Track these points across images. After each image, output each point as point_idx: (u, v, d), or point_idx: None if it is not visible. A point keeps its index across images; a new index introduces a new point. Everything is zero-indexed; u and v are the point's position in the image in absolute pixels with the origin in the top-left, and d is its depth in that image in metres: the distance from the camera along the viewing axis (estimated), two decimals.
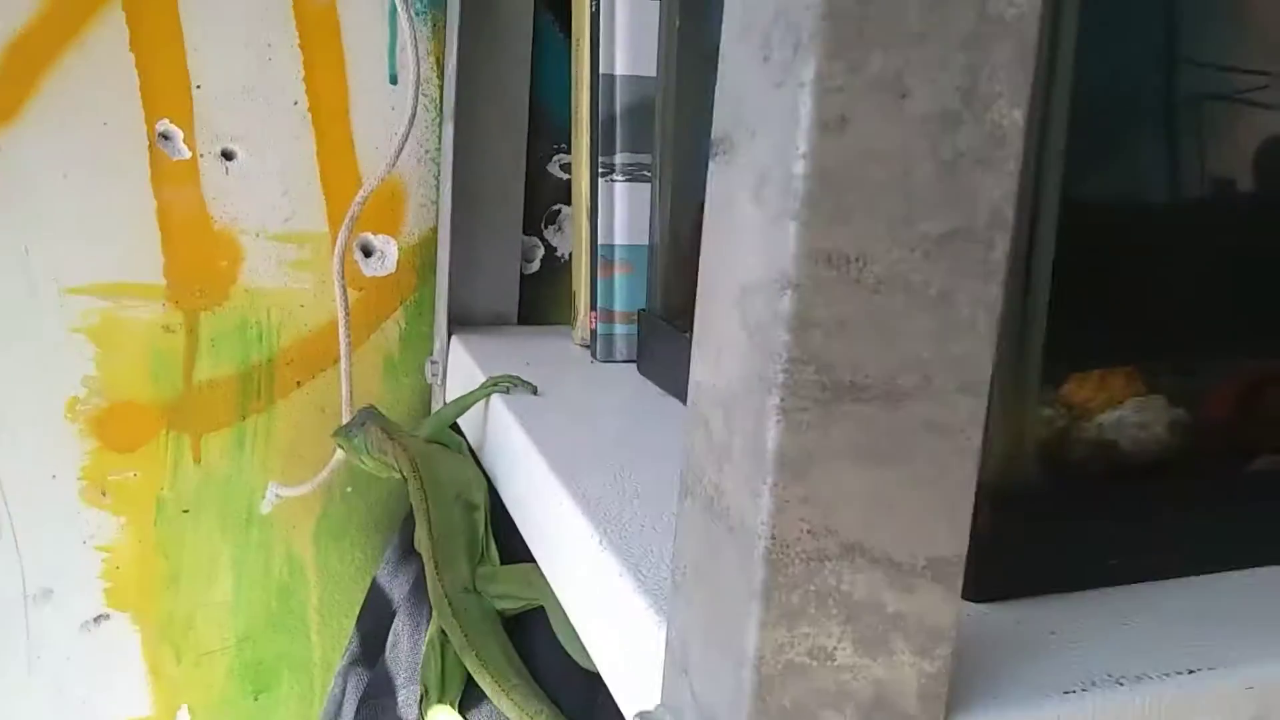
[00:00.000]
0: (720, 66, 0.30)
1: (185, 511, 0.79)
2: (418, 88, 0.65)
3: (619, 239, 0.71)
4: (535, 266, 0.82)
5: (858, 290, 0.26)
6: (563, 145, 0.81)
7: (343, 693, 0.67)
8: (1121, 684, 0.32)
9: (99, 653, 0.79)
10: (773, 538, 0.27)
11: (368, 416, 0.62)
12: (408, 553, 0.69)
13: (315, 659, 0.83)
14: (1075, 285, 0.38)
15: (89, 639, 0.79)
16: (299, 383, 0.79)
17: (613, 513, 0.44)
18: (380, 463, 0.60)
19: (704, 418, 0.30)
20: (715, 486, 0.30)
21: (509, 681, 0.50)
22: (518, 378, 0.61)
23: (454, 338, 0.75)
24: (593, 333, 0.72)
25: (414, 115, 0.65)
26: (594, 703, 0.48)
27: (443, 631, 0.55)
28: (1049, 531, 0.39)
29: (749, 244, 0.28)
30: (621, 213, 0.71)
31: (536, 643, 0.53)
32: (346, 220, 0.69)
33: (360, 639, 0.68)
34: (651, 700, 0.34)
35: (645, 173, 0.71)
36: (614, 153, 0.70)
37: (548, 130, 0.80)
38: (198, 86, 0.73)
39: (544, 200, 0.81)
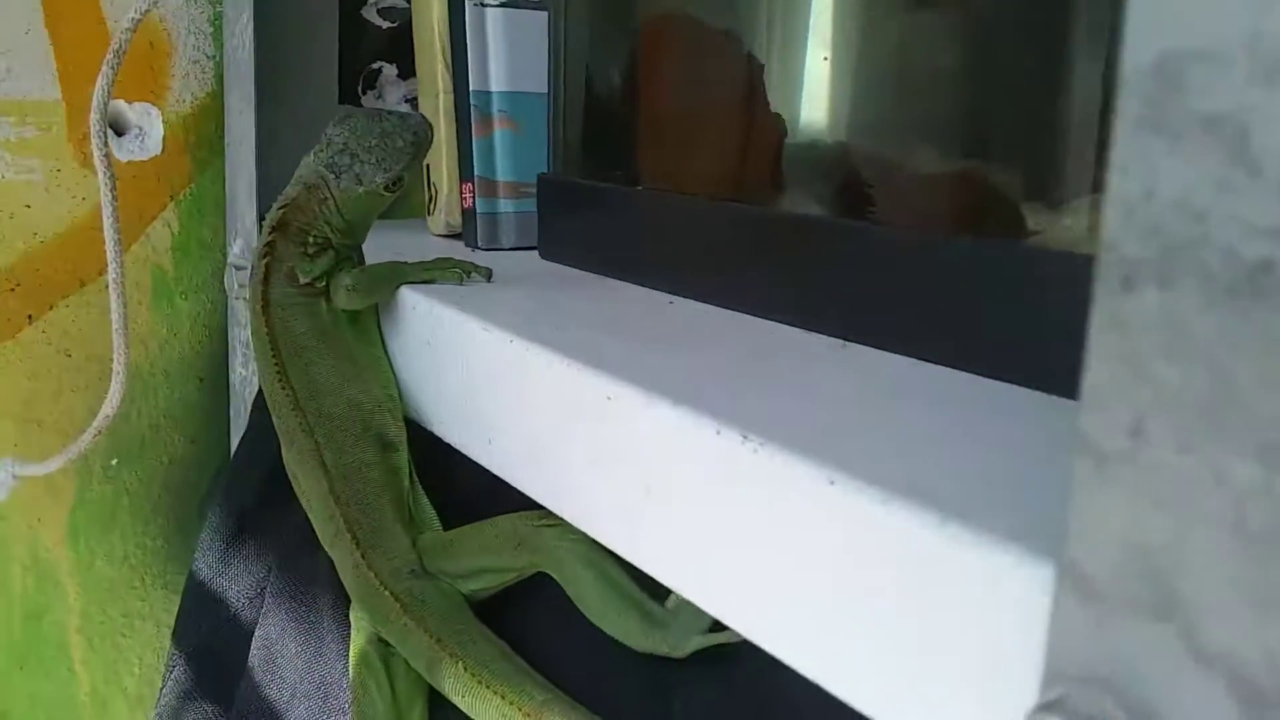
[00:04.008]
0: None
1: None
2: None
3: (496, 85, 0.53)
4: None
5: None
6: None
7: None
8: None
9: None
10: None
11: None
12: (239, 530, 0.49)
13: (81, 698, 0.61)
14: None
15: None
16: (30, 317, 0.56)
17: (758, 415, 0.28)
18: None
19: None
20: None
21: (532, 697, 0.33)
22: (471, 263, 0.43)
23: None
24: (467, 213, 0.54)
25: None
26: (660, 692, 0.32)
27: (382, 643, 0.36)
28: None
29: None
30: (499, 51, 0.53)
31: (531, 631, 0.36)
32: (101, 80, 0.47)
33: (188, 661, 0.47)
34: (989, 679, 0.19)
35: None
36: None
37: None
38: None
39: (359, 57, 0.62)
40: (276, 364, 0.39)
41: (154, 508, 0.61)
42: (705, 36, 0.46)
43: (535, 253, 0.53)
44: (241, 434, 0.57)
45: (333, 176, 0.41)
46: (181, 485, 0.61)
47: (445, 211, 0.56)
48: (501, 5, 0.53)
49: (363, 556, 0.36)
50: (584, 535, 0.33)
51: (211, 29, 0.57)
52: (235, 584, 0.48)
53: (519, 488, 0.34)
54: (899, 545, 0.22)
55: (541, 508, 0.34)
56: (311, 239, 0.41)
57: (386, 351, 0.42)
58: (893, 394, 0.30)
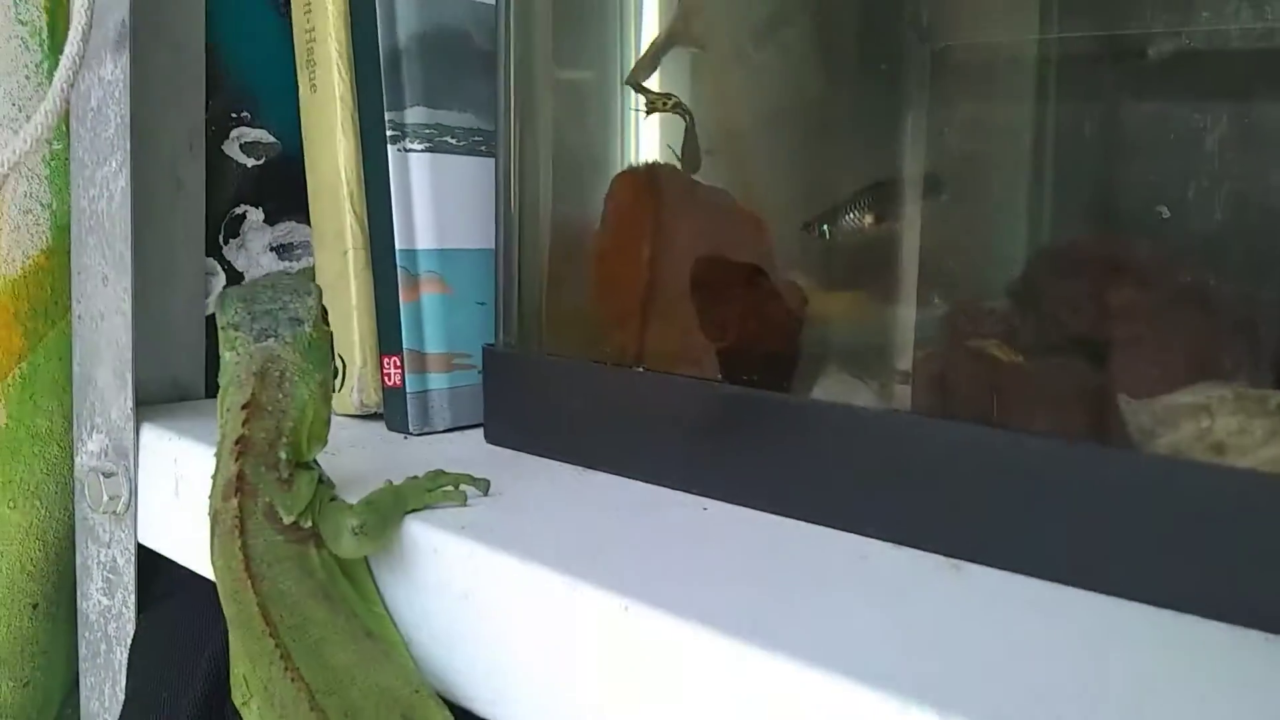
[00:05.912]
0: None
1: None
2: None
3: (423, 242, 0.46)
4: (210, 303, 0.53)
5: None
6: (244, 112, 0.52)
7: None
8: None
9: None
10: None
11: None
12: None
13: None
14: None
15: None
16: None
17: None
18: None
19: None
20: None
21: None
22: (465, 474, 0.35)
23: (146, 428, 0.44)
24: (392, 392, 0.46)
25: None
26: None
27: None
28: None
29: None
30: (425, 202, 0.46)
31: None
32: None
33: None
34: None
35: (450, 139, 0.46)
36: (404, 106, 0.45)
37: (221, 91, 0.51)
38: None
39: (219, 200, 0.52)
40: (277, 646, 0.29)
41: None
42: (702, 193, 0.41)
43: (471, 433, 0.46)
44: (106, 673, 0.46)
45: (275, 340, 0.33)
46: None
47: (358, 389, 0.47)
48: (426, 150, 0.46)
49: None
50: None
51: (48, 171, 0.46)
52: None
53: None
54: None
55: None
56: (284, 452, 0.32)
57: (388, 608, 0.34)
58: (1164, 652, 0.25)
